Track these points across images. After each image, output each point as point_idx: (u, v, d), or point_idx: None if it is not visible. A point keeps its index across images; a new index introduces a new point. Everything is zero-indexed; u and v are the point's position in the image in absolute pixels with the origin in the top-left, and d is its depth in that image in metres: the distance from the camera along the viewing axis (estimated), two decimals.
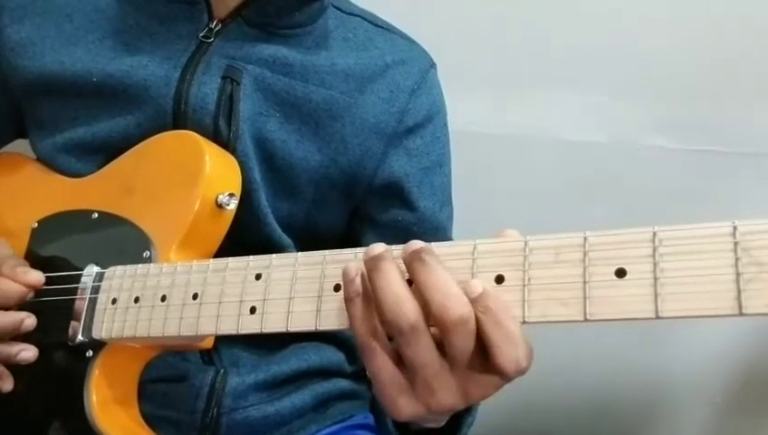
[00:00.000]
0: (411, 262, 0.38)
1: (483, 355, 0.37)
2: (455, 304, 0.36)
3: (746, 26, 0.96)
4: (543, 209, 0.96)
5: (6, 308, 0.56)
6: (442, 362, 0.37)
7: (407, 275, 0.38)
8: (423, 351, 0.37)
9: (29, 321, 0.56)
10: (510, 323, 0.36)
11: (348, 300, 0.39)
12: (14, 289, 0.56)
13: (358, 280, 0.39)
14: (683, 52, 0.97)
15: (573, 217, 0.99)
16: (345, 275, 0.39)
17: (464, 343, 0.36)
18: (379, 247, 0.39)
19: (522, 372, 0.36)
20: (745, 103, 0.99)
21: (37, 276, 0.58)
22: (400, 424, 0.55)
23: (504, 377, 0.37)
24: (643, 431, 1.18)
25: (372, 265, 0.38)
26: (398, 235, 0.68)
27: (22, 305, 0.59)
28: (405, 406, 0.39)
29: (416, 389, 0.38)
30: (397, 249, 0.40)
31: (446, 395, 0.38)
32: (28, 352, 0.56)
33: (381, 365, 0.39)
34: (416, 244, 0.38)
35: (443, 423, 0.45)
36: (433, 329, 0.37)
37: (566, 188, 1.03)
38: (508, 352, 0.36)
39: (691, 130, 1.00)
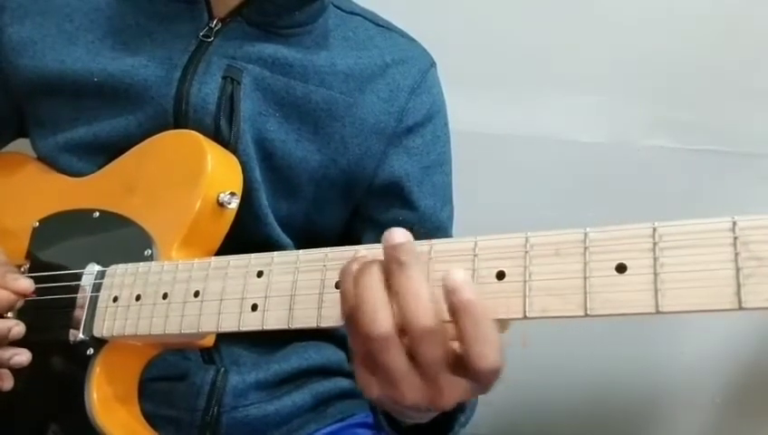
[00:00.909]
0: (389, 262, 0.37)
1: (455, 357, 0.37)
2: (424, 314, 0.35)
3: (746, 27, 0.96)
4: (544, 209, 0.96)
5: None
6: (410, 367, 0.37)
7: None
8: (391, 359, 0.37)
9: (17, 329, 0.56)
10: (486, 320, 0.35)
11: (342, 275, 0.39)
12: (2, 296, 0.56)
13: (354, 266, 0.39)
14: (683, 52, 0.97)
15: (573, 216, 0.99)
16: (355, 253, 0.40)
17: (432, 353, 0.36)
18: (365, 252, 0.39)
19: (496, 372, 0.36)
20: (745, 103, 0.99)
21: (27, 284, 0.58)
22: (393, 420, 0.56)
23: (478, 377, 0.36)
24: (643, 431, 1.18)
25: (361, 265, 0.38)
26: None
27: (23, 305, 0.59)
28: (372, 387, 0.39)
29: (383, 383, 0.38)
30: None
31: (411, 394, 0.37)
32: (21, 357, 0.56)
33: (358, 348, 0.39)
34: (394, 237, 0.37)
35: (425, 420, 0.45)
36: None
37: (566, 188, 1.03)
38: (482, 349, 0.35)
39: (691, 129, 1.01)
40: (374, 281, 0.37)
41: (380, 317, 0.36)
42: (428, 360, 0.36)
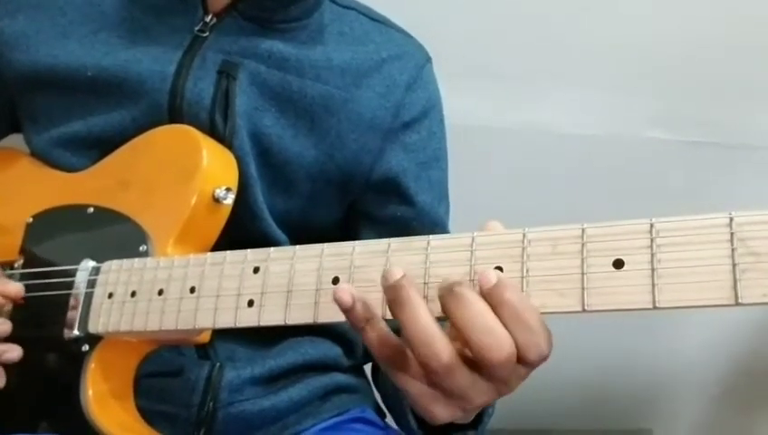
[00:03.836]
0: (444, 297, 0.36)
1: None
2: (495, 343, 0.35)
3: (744, 20, 0.96)
4: (542, 203, 0.96)
5: None
6: (478, 378, 0.37)
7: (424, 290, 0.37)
8: (458, 381, 0.36)
9: (3, 327, 0.56)
10: (527, 312, 0.35)
11: (359, 330, 0.38)
12: None
13: (358, 306, 0.38)
14: (681, 46, 0.97)
15: (572, 210, 0.99)
16: (340, 304, 0.38)
17: (506, 372, 0.36)
18: (396, 272, 0.37)
19: (544, 358, 0.36)
20: (743, 97, 1.00)
21: (16, 288, 0.58)
22: (422, 420, 0.55)
23: (529, 366, 0.36)
24: (641, 423, 1.19)
25: (393, 294, 0.37)
26: (397, 230, 0.68)
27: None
28: (440, 412, 0.38)
29: (451, 399, 0.38)
30: (397, 241, 0.40)
31: (481, 398, 0.38)
32: (11, 353, 0.56)
33: (412, 383, 0.38)
34: (450, 278, 0.37)
35: (471, 418, 0.45)
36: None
37: (564, 181, 1.03)
38: (529, 341, 0.35)
39: (689, 123, 1.01)
40: (420, 313, 0.36)
41: (440, 348, 0.35)
42: (505, 375, 0.36)
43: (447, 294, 0.36)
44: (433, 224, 0.69)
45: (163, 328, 0.49)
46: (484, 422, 0.52)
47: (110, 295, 0.53)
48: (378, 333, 0.38)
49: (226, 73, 0.62)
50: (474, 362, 0.36)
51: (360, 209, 0.70)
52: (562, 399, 1.15)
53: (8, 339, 0.57)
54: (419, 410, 0.39)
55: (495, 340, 0.35)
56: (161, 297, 0.50)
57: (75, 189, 0.63)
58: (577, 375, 1.14)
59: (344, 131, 0.65)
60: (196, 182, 0.56)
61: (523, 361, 0.36)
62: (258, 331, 0.45)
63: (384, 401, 0.71)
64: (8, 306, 0.58)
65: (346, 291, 0.38)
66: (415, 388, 0.38)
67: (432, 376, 0.36)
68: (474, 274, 0.38)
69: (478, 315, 0.35)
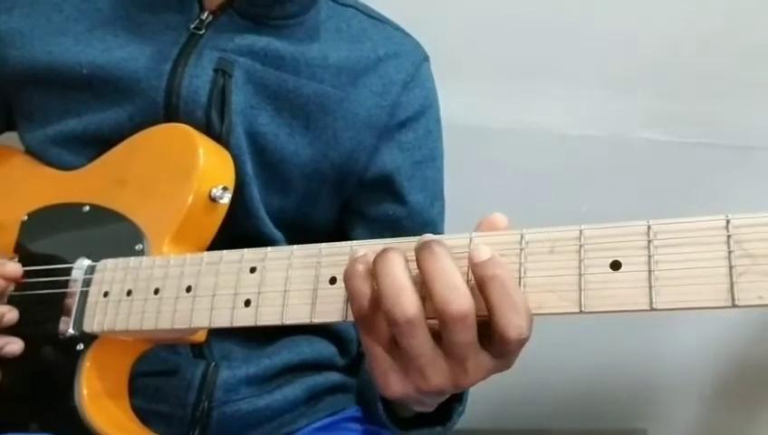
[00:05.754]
0: (419, 250, 0.37)
1: (482, 333, 0.37)
2: (456, 298, 0.35)
3: (742, 20, 0.97)
4: (538, 203, 0.97)
5: None
6: (437, 350, 0.37)
7: (415, 268, 0.38)
8: (418, 343, 0.37)
9: (10, 315, 0.56)
10: (516, 291, 0.36)
11: (349, 277, 0.39)
12: None
13: (359, 263, 0.39)
14: (677, 45, 0.97)
15: (568, 210, 1.00)
16: (354, 253, 0.40)
17: (462, 337, 0.36)
18: (363, 250, 0.39)
19: (523, 341, 0.36)
20: (740, 97, 1.00)
21: (14, 268, 0.57)
22: (391, 412, 0.56)
23: (504, 348, 0.36)
24: (636, 423, 1.19)
25: (380, 253, 0.38)
26: (387, 229, 0.68)
27: (11, 300, 0.58)
28: (395, 384, 0.39)
29: (408, 372, 0.38)
30: (395, 242, 0.40)
31: (438, 379, 0.38)
32: (13, 346, 0.55)
33: (376, 342, 0.39)
34: (428, 235, 0.38)
35: (431, 409, 0.45)
36: (432, 321, 0.37)
37: (561, 182, 1.03)
38: (511, 319, 0.36)
39: (685, 123, 1.01)
40: (396, 267, 0.37)
41: (406, 301, 0.36)
42: (460, 343, 0.36)
43: (423, 248, 0.37)
44: (424, 223, 0.69)
45: (159, 327, 0.49)
46: (453, 420, 0.52)
47: (106, 294, 0.53)
48: (366, 286, 0.38)
49: (222, 71, 0.61)
50: (436, 332, 0.37)
51: (354, 207, 0.70)
52: (558, 399, 1.15)
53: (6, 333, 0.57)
54: (376, 379, 0.39)
55: (457, 296, 0.35)
56: (157, 296, 0.50)
57: (71, 188, 0.63)
58: (572, 375, 1.14)
59: (340, 130, 0.65)
60: (193, 182, 0.56)
61: (503, 338, 0.36)
62: (253, 330, 0.45)
63: (358, 396, 0.71)
64: (10, 288, 0.58)
65: (364, 247, 0.39)
66: (377, 349, 0.39)
67: (395, 329, 0.37)
68: (471, 278, 0.37)
69: (446, 270, 0.36)
